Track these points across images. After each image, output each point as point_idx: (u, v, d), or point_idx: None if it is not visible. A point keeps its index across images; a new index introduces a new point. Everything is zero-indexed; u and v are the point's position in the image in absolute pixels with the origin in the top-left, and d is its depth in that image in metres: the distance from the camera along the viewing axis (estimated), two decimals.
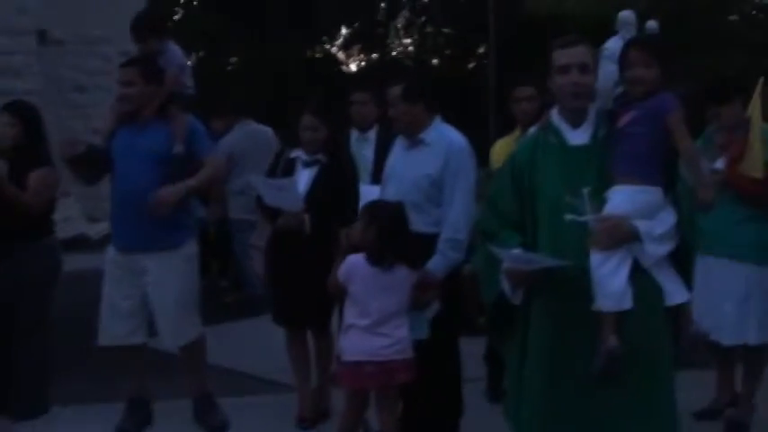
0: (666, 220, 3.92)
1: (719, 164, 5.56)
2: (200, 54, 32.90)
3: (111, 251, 5.81)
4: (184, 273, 5.82)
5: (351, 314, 4.87)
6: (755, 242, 5.58)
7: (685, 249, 4.02)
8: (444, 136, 5.27)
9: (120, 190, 5.71)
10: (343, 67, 38.85)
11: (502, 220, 4.21)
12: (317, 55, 37.45)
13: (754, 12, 21.40)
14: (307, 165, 5.92)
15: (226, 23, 29.73)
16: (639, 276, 3.89)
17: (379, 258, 4.79)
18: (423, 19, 38.50)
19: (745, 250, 5.57)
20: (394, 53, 39.18)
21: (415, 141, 5.30)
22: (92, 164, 5.76)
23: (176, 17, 32.76)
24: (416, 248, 4.92)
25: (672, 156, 3.97)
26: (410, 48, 38.78)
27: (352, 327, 4.85)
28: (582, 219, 3.92)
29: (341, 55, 39.41)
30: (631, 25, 11.74)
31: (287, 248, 5.83)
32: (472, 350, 5.95)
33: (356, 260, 4.85)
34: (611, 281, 3.84)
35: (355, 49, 38.98)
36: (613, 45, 11.83)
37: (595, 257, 3.86)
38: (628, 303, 3.84)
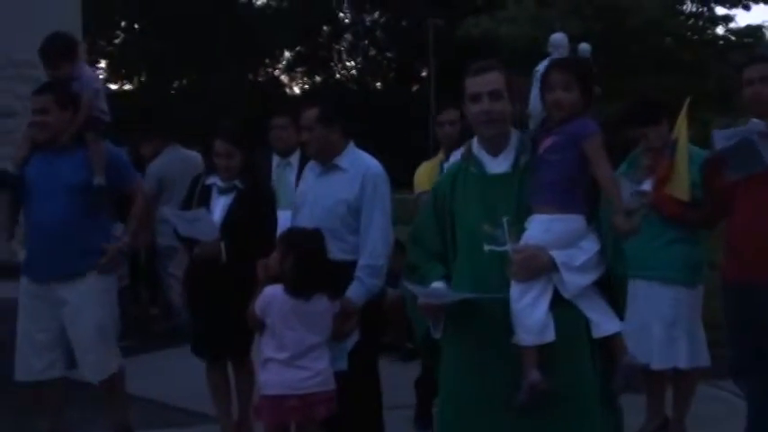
0: (588, 248, 3.76)
1: (647, 185, 5.44)
2: (142, 78, 32.72)
3: (24, 282, 5.56)
4: (103, 302, 5.59)
5: (269, 347, 4.71)
6: (684, 264, 5.47)
7: (614, 278, 3.87)
8: (360, 161, 5.13)
9: (37, 221, 5.47)
10: (287, 90, 38.85)
11: (425, 252, 4.07)
12: (260, 78, 37.36)
13: (688, 33, 21.59)
14: (222, 191, 5.72)
15: (167, 48, 29.44)
16: (563, 308, 3.73)
17: (297, 289, 4.64)
18: (365, 42, 38.56)
19: (673, 272, 5.46)
20: (337, 76, 39.26)
21: (329, 167, 5.14)
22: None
23: (116, 41, 32.42)
24: (335, 277, 4.78)
25: (595, 181, 3.85)
26: (353, 71, 38.90)
27: (271, 360, 4.69)
28: (501, 249, 3.77)
29: (284, 78, 39.50)
30: (563, 48, 11.68)
31: (204, 278, 5.62)
32: (404, 376, 5.88)
33: (273, 292, 4.67)
34: (530, 313, 3.66)
35: (299, 72, 39.10)
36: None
37: (515, 289, 3.70)
38: (549, 336, 3.67)
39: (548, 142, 3.80)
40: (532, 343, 3.64)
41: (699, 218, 5.36)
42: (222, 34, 29.56)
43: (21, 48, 13.71)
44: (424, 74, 33.38)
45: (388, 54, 37.27)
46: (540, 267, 3.68)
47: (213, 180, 5.77)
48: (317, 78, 38.68)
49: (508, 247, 3.75)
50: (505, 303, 3.70)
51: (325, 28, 38.34)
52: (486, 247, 3.79)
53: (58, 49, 5.63)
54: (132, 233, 5.74)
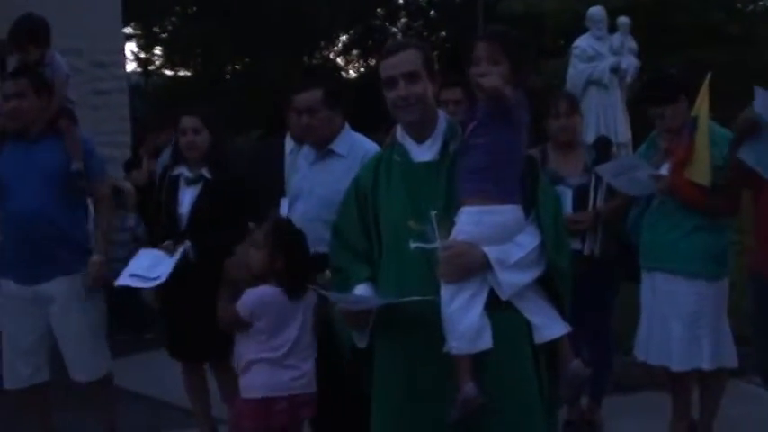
0: (526, 242, 3.30)
1: (664, 170, 4.90)
2: (198, 65, 32.51)
3: (5, 283, 5.21)
4: (94, 299, 5.28)
5: (254, 349, 4.31)
6: (706, 255, 4.88)
7: (556, 273, 3.38)
8: (358, 145, 4.67)
9: (15, 213, 5.10)
10: (343, 74, 38.42)
11: (348, 251, 3.61)
12: (315, 62, 36.94)
13: (738, 5, 20.65)
14: (190, 182, 5.29)
15: (221, 32, 29.15)
16: (500, 310, 3.27)
17: (295, 290, 4.27)
18: (420, 22, 37.96)
19: (694, 265, 4.86)
20: None
21: (324, 153, 4.70)
22: None
23: (170, 27, 32.23)
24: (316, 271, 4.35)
25: (532, 167, 3.43)
26: None
27: (259, 362, 4.29)
28: (429, 246, 3.31)
29: (340, 61, 39.02)
30: (601, 22, 11.15)
31: (175, 278, 5.14)
32: None
33: (266, 293, 4.28)
34: (462, 318, 3.20)
35: (354, 55, 38.59)
36: (583, 43, 11.24)
37: (445, 291, 3.24)
38: (485, 343, 3.21)
39: (472, 125, 3.34)
40: (466, 351, 3.20)
41: (722, 205, 4.79)
42: (276, 16, 29.18)
43: (63, 35, 13.54)
44: None
45: (443, 34, 36.55)
46: (471, 266, 3.23)
47: (180, 170, 5.34)
48: (372, 61, 38.12)
49: (437, 245, 3.28)
50: (436, 307, 3.24)
51: (379, 10, 37.76)
52: (413, 245, 3.34)
53: (26, 33, 5.27)
54: (103, 249, 5.31)
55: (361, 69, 38.41)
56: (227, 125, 27.60)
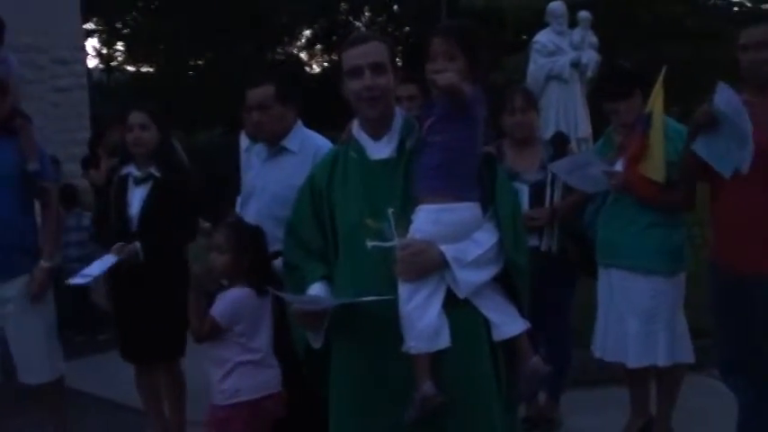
0: (484, 240, 3.27)
1: (619, 165, 4.87)
2: (160, 61, 32.23)
3: None
4: (47, 300, 5.22)
5: (238, 352, 4.23)
6: (662, 251, 4.86)
7: (515, 271, 3.35)
8: (309, 142, 4.63)
9: None
10: (307, 69, 38.25)
11: (304, 249, 3.53)
12: (279, 57, 36.75)
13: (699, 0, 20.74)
14: (138, 182, 5.18)
15: (182, 28, 28.91)
16: (459, 309, 3.23)
17: (263, 288, 4.18)
18: (383, 17, 37.87)
19: (650, 261, 4.85)
20: None
21: (276, 150, 4.64)
22: None
23: (130, 21, 31.91)
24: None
25: (490, 163, 3.39)
26: None
27: (245, 364, 4.23)
28: (387, 245, 3.26)
29: (304, 56, 38.85)
30: (562, 17, 11.12)
31: (125, 279, 5.07)
32: None
33: (240, 295, 4.20)
34: (420, 317, 3.16)
35: (318, 50, 38.44)
36: (543, 38, 11.21)
37: (403, 290, 3.19)
38: (443, 342, 3.17)
39: (429, 122, 3.29)
40: (424, 350, 3.16)
41: (676, 200, 4.77)
42: (238, 11, 28.97)
43: (23, 32, 13.39)
44: None
45: (407, 29, 36.48)
46: (429, 264, 3.19)
47: (129, 169, 5.23)
48: (336, 56, 38.02)
49: (394, 243, 3.23)
50: (393, 306, 3.19)
51: (342, 4, 37.64)
52: (370, 244, 3.28)
53: None
54: (51, 254, 5.22)
55: (325, 64, 38.29)
56: (190, 122, 27.60)
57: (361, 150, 3.43)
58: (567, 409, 5.71)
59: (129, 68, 33.69)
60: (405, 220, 3.26)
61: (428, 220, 3.23)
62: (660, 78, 4.81)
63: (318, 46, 38.44)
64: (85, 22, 29.70)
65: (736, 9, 22.66)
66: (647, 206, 4.81)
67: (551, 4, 11.16)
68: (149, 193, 5.12)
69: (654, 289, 4.85)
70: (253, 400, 4.23)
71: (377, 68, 3.31)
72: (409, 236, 3.23)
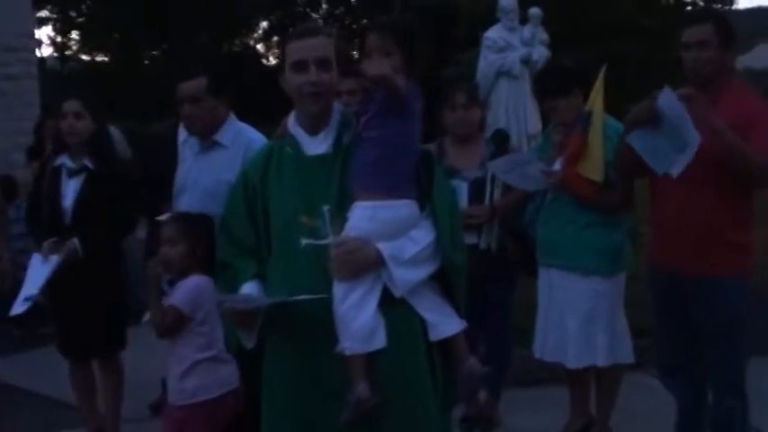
0: (420, 238, 3.21)
1: (558, 165, 4.82)
2: (115, 50, 31.87)
3: None
4: None
5: (194, 348, 4.15)
6: (601, 251, 4.81)
7: (451, 269, 3.30)
8: (242, 136, 4.55)
9: None
10: (264, 61, 38.05)
11: (236, 247, 3.44)
12: (236, 48, 36.53)
13: None
14: (72, 173, 5.05)
15: (137, 18, 28.60)
16: (395, 308, 3.17)
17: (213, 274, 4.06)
18: (341, 9, 37.75)
19: (589, 261, 4.80)
20: None
21: (209, 144, 4.56)
22: None
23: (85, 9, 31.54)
24: None
25: (427, 160, 3.34)
26: None
27: (201, 362, 4.14)
28: (321, 242, 3.19)
29: (260, 48, 38.65)
30: (512, 13, 11.03)
31: (62, 273, 4.91)
32: None
33: (199, 281, 4.11)
34: (355, 316, 3.10)
35: (274, 41, 38.23)
36: (494, 34, 11.15)
37: (338, 289, 3.12)
38: (379, 342, 3.11)
39: (365, 117, 3.22)
40: (359, 350, 3.10)
41: (614, 200, 4.73)
42: (195, 2, 28.74)
43: None
44: None
45: (364, 21, 36.38)
46: (364, 263, 3.12)
47: (62, 160, 5.10)
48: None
49: (329, 241, 3.17)
50: (328, 305, 3.12)
51: None
52: (304, 241, 3.21)
53: None
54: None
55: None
56: (144, 112, 27.30)
57: (296, 146, 3.35)
58: (507, 408, 5.65)
59: (84, 57, 33.29)
60: (340, 218, 3.20)
61: (364, 217, 3.16)
62: (600, 76, 4.77)
63: (275, 38, 38.21)
64: (39, 10, 29.47)
65: (689, 8, 22.85)
66: (585, 206, 4.76)
67: (502, 0, 11.10)
68: (83, 185, 5.00)
69: (593, 289, 4.81)
70: (211, 399, 4.15)
71: (323, 64, 3.22)
72: (344, 233, 3.16)
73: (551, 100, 4.89)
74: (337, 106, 3.40)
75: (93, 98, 5.23)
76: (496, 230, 5.12)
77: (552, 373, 5.63)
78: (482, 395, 5.56)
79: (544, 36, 11.28)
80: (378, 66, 3.11)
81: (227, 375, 4.13)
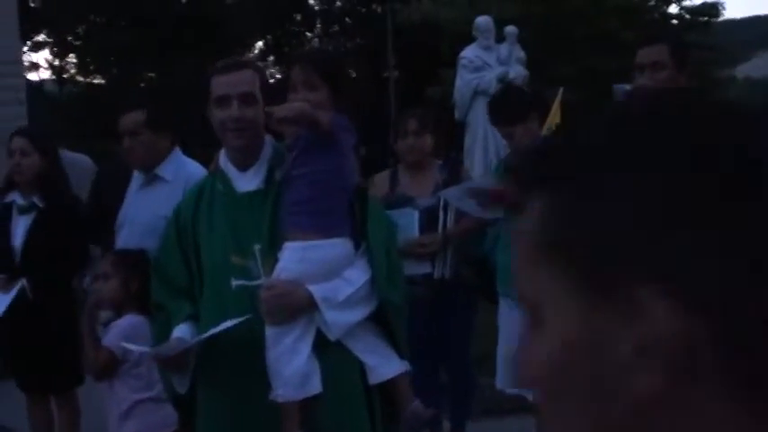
0: (355, 278, 3.04)
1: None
2: (112, 73, 31.74)
3: None
4: None
5: (133, 389, 4.00)
6: None
7: (389, 309, 3.12)
8: (183, 170, 4.39)
9: None
10: None
11: (169, 286, 3.29)
12: None
13: (635, 13, 20.42)
14: (22, 211, 4.89)
15: (133, 40, 28.51)
16: (331, 351, 3.01)
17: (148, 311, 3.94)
18: (336, 28, 37.64)
19: None
20: None
21: (150, 178, 4.42)
22: None
23: (80, 33, 31.45)
24: None
25: (361, 195, 3.20)
26: None
27: (141, 402, 4.00)
28: (252, 284, 3.02)
29: None
30: (488, 32, 10.92)
31: (16, 311, 4.73)
32: None
33: (133, 321, 3.97)
34: (288, 362, 2.92)
35: (270, 61, 38.11)
36: (470, 53, 11.02)
37: (269, 334, 2.95)
38: (313, 388, 2.94)
39: (293, 155, 3.07)
40: (293, 397, 2.92)
41: None
42: (190, 23, 28.68)
43: None
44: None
45: (359, 41, 36.26)
46: (295, 306, 2.94)
47: (13, 197, 4.93)
48: (285, 69, 37.78)
49: (262, 282, 3.00)
50: (262, 350, 2.96)
51: (296, 15, 37.39)
52: (235, 282, 3.04)
53: None
54: None
55: (278, 76, 37.98)
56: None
57: (227, 182, 3.20)
58: None
59: (81, 79, 33.19)
60: (272, 258, 3.04)
61: (293, 258, 3.00)
62: (557, 99, 4.59)
63: (271, 57, 38.09)
64: (37, 34, 29.40)
65: (674, 21, 22.65)
66: None
67: (478, 19, 10.97)
68: (32, 224, 4.85)
69: None
70: None
71: (246, 99, 3.10)
72: (274, 276, 2.99)
73: (507, 126, 4.67)
74: (270, 140, 3.24)
75: (46, 134, 5.12)
76: (450, 259, 4.89)
77: (522, 403, 5.39)
78: (446, 427, 5.35)
79: (521, 54, 11.15)
80: (288, 107, 2.97)
81: (168, 416, 3.91)
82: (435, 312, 5.00)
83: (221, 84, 3.12)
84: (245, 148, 3.16)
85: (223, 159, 3.24)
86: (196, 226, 3.22)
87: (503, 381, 4.85)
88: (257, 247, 3.05)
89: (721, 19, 24.05)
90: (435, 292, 4.86)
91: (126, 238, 4.35)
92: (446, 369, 5.21)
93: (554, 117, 4.53)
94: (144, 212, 4.30)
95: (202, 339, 3.02)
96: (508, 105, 4.79)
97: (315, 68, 3.08)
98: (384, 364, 3.09)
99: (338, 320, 2.98)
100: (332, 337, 2.99)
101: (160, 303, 3.30)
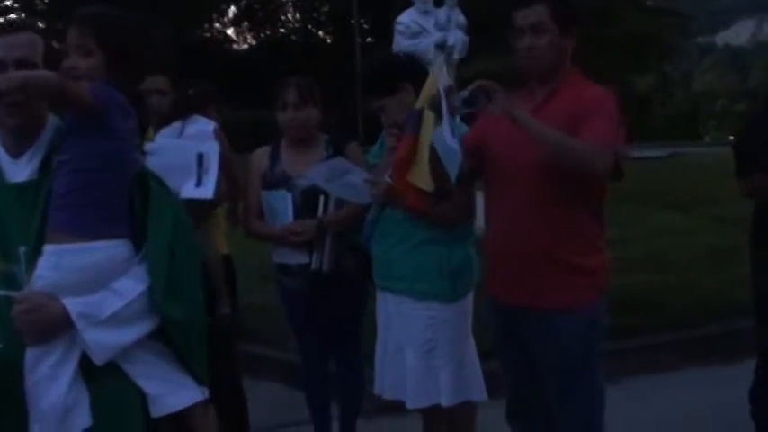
0: (127, 290, 2.43)
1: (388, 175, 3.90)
2: None
3: None
4: None
5: None
6: (438, 273, 3.82)
7: (168, 325, 2.50)
8: None
9: None
10: (234, 46, 37.09)
11: None
12: (207, 34, 35.55)
13: None
14: None
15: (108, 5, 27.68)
16: (103, 378, 2.38)
17: None
18: None
19: (424, 284, 3.83)
20: (283, 30, 37.41)
21: None
22: None
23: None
24: None
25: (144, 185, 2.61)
26: (297, 24, 37.01)
27: None
28: (16, 294, 2.40)
29: (231, 33, 37.62)
30: None
31: None
32: None
33: None
34: (46, 392, 2.32)
35: (245, 26, 37.22)
36: (406, 18, 10.19)
37: (29, 356, 2.35)
38: (79, 424, 2.33)
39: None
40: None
41: (450, 212, 3.81)
42: None
43: None
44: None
45: (325, 9, 35.44)
46: (49, 324, 2.34)
47: None
48: (264, 33, 36.85)
49: (21, 294, 2.40)
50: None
51: None
52: (0, 292, 2.44)
53: None
54: None
55: (252, 42, 37.12)
56: None
57: (0, 173, 2.56)
58: None
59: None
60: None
61: (48, 265, 2.37)
62: (433, 70, 3.89)
63: (245, 23, 37.23)
64: None
65: None
66: (419, 220, 3.83)
67: None
68: None
69: (431, 317, 3.84)
70: None
71: (23, 66, 2.49)
72: (28, 286, 2.37)
73: (378, 99, 3.99)
74: (53, 120, 2.61)
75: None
76: (328, 248, 4.19)
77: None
78: (336, 425, 4.71)
79: (461, 19, 10.34)
80: (5, 77, 2.32)
81: None
82: (315, 306, 4.35)
83: None
84: (18, 128, 2.55)
85: None
86: None
87: (380, 386, 4.13)
88: (22, 249, 2.45)
89: None
90: (312, 284, 4.21)
91: None
92: (336, 364, 4.58)
93: (428, 88, 3.83)
94: None
95: None
96: (378, 77, 4.13)
97: (92, 32, 2.50)
98: (173, 392, 2.47)
99: (103, 340, 2.36)
100: (96, 360, 2.37)
101: None
